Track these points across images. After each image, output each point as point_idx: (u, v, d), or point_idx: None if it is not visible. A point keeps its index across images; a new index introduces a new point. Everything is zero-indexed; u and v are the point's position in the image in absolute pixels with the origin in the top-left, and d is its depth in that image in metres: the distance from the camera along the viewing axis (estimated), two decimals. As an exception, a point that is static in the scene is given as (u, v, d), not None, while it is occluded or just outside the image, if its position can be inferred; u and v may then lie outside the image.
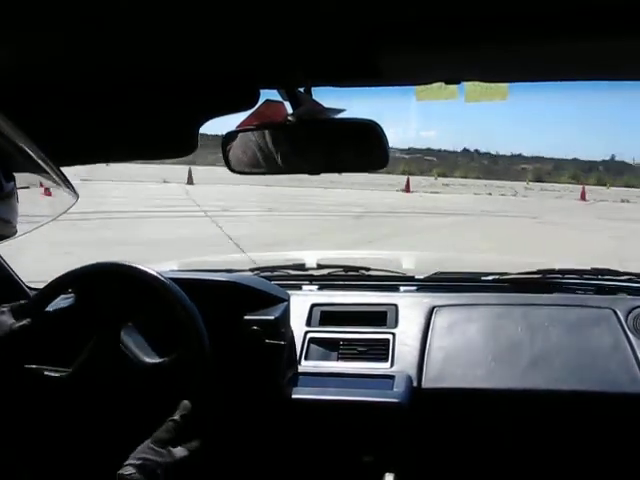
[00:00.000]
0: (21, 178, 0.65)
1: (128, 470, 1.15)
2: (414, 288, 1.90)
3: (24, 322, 1.39)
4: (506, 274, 1.94)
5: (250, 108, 1.03)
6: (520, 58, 0.87)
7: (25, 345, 1.39)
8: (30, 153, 0.64)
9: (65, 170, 0.75)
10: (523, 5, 0.68)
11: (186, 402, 1.27)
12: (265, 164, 1.14)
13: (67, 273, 1.43)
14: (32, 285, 1.78)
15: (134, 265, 1.39)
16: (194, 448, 1.26)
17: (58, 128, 0.95)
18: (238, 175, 1.17)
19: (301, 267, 2.02)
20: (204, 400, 1.30)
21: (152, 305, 1.40)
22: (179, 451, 1.23)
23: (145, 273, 1.37)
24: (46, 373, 1.37)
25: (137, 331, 1.40)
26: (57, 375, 1.37)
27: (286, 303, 1.61)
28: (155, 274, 1.37)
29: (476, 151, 36.48)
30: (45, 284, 1.45)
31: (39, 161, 0.66)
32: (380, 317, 1.75)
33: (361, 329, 1.72)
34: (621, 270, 1.93)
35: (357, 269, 2.02)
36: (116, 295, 1.44)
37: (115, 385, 1.36)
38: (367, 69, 0.88)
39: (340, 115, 1.06)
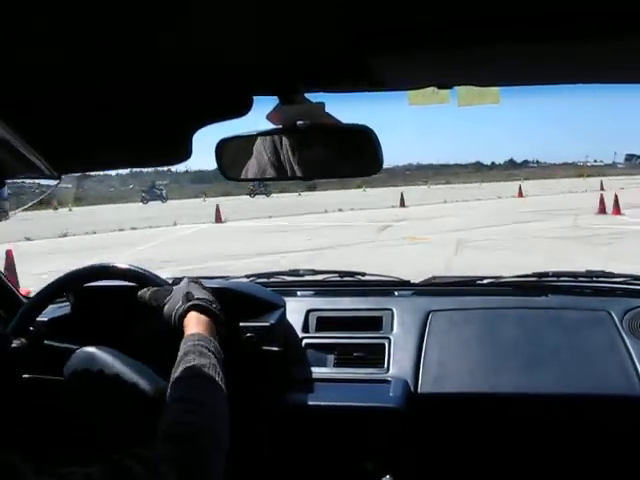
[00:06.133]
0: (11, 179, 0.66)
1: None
2: (409, 293, 1.91)
3: (18, 334, 1.38)
4: (501, 277, 1.95)
5: (243, 115, 1.03)
6: (512, 62, 0.87)
7: (21, 355, 1.38)
8: (16, 147, 0.65)
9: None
10: (515, 9, 0.68)
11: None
12: (259, 171, 1.14)
13: (57, 280, 1.43)
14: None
15: (124, 265, 1.39)
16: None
17: (52, 137, 0.95)
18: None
19: (296, 273, 2.02)
20: None
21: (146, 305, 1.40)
22: None
23: (137, 272, 1.38)
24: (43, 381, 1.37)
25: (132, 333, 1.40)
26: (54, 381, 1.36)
27: (282, 309, 1.61)
28: (144, 271, 1.37)
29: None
30: (35, 292, 1.45)
31: (25, 153, 0.66)
32: (376, 322, 1.75)
33: (357, 334, 1.72)
34: (616, 272, 1.94)
35: (352, 274, 2.02)
36: (111, 298, 1.45)
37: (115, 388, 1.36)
38: (360, 74, 0.89)
39: (334, 120, 1.06)
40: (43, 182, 0.76)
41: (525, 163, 50.99)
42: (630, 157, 46.24)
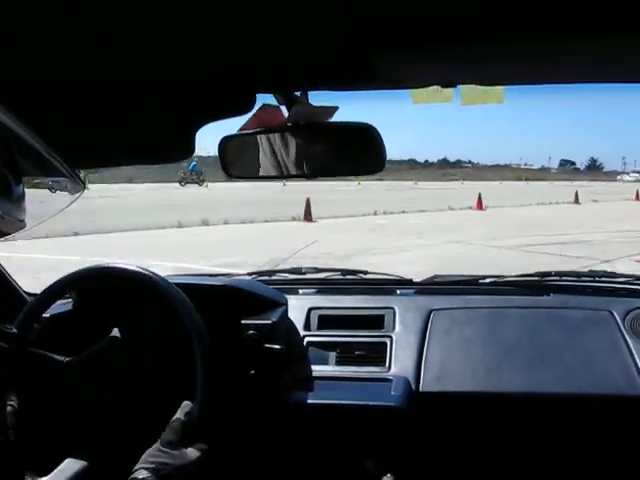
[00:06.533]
0: (29, 179, 0.66)
1: (142, 474, 1.11)
2: (411, 291, 1.90)
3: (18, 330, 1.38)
4: (503, 277, 1.95)
5: (247, 112, 1.03)
6: (516, 61, 0.87)
7: (21, 351, 1.38)
8: (38, 150, 0.65)
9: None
10: (519, 7, 0.68)
11: (187, 402, 1.24)
12: (262, 169, 1.14)
13: (63, 277, 1.43)
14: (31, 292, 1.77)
15: (130, 266, 1.39)
16: (204, 449, 1.22)
17: (55, 134, 0.95)
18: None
19: (298, 271, 2.02)
20: (207, 399, 1.28)
21: (149, 305, 1.40)
22: (190, 452, 1.19)
23: (141, 273, 1.37)
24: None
25: (136, 331, 1.40)
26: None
27: (284, 307, 1.61)
28: (150, 273, 1.37)
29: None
30: (41, 290, 1.44)
31: (45, 155, 0.66)
32: (377, 321, 1.75)
33: (359, 333, 1.72)
34: (618, 272, 1.94)
35: (354, 272, 2.02)
36: (114, 297, 1.44)
37: (117, 388, 1.36)
38: (363, 72, 0.89)
39: (337, 119, 1.06)
40: (64, 189, 0.75)
41: (459, 163, 51.33)
42: (564, 162, 47.11)
